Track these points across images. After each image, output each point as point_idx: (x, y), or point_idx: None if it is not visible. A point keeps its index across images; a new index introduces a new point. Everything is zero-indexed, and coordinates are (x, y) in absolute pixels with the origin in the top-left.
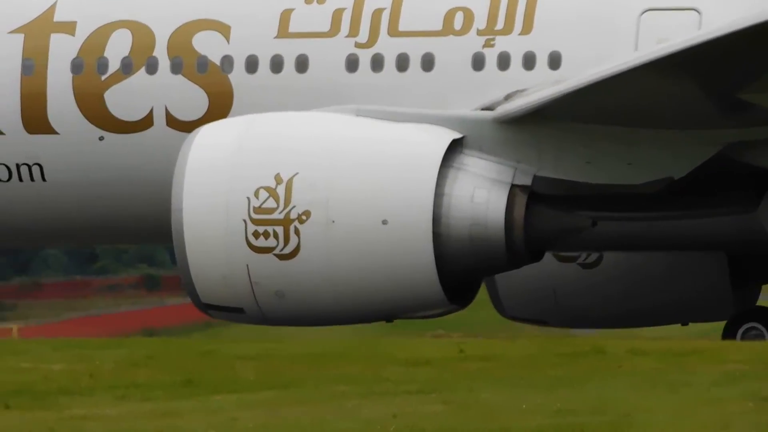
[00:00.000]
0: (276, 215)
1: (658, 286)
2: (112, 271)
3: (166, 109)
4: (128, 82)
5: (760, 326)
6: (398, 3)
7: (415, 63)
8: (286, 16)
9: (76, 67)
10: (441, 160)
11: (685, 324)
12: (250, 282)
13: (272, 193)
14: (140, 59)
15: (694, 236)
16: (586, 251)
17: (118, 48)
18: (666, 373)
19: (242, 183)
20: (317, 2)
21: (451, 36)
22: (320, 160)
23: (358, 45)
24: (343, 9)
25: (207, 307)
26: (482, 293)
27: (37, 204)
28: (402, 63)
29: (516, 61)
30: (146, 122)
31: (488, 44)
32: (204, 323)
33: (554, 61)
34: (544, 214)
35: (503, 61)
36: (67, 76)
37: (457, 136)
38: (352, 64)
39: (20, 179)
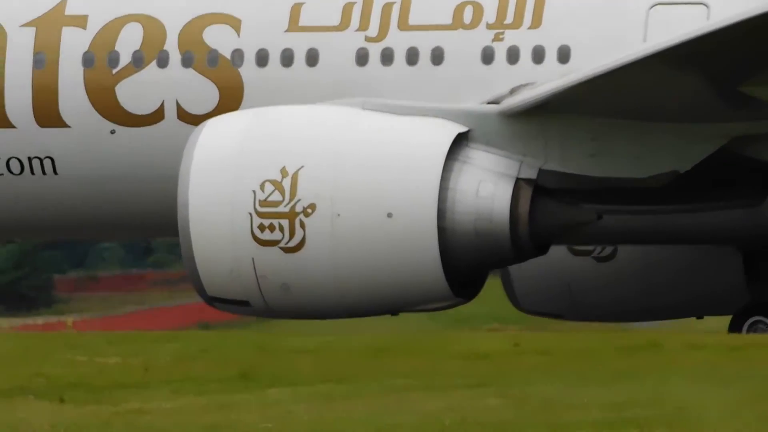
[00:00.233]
0: (281, 208)
1: (673, 280)
2: (167, 264)
3: (177, 103)
4: (139, 76)
5: (766, 320)
6: None
7: (424, 57)
8: (296, 9)
9: (88, 60)
10: (446, 154)
11: (700, 317)
12: (256, 275)
13: (278, 186)
14: (151, 53)
15: (701, 230)
16: (592, 245)
17: (129, 42)
18: (722, 367)
19: (248, 176)
20: None
21: (461, 30)
22: (326, 153)
23: (368, 39)
24: (354, 3)
25: (213, 300)
26: None
27: (49, 197)
28: (412, 57)
29: (525, 55)
30: (157, 116)
31: (498, 38)
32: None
33: (563, 55)
34: (549, 208)
35: (513, 55)
36: (79, 70)
37: (463, 129)
38: (362, 58)
39: (32, 173)
